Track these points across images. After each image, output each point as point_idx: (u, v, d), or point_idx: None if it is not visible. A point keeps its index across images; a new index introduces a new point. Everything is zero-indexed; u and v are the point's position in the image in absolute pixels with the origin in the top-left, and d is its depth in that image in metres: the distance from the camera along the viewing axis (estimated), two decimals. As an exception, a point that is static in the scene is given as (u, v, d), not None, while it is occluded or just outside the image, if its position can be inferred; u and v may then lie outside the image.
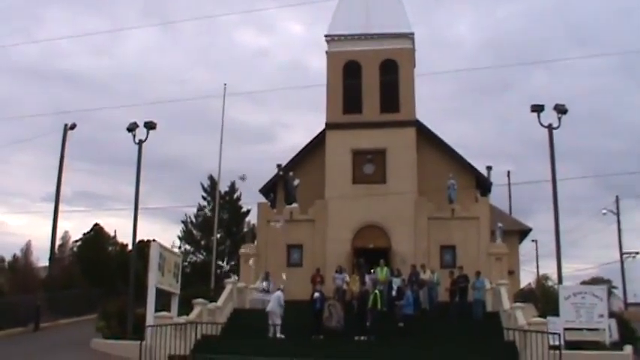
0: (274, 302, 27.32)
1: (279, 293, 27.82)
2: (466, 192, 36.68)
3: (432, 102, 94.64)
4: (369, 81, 37.47)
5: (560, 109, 28.40)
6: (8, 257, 51.46)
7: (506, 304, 28.45)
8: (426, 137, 37.82)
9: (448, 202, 35.33)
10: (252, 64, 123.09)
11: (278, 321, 26.86)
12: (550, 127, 28.83)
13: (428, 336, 25.38)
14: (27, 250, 43.76)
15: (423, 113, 44.06)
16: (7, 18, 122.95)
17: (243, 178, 41.98)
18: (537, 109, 28.83)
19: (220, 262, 52.40)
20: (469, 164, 38.42)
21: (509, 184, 56.99)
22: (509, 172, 59.22)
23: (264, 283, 32.06)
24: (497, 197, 46.84)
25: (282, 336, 26.21)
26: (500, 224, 35.72)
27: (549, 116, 28.77)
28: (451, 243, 34.97)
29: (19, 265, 42.62)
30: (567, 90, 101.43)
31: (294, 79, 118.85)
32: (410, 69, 37.81)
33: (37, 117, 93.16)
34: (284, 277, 30.70)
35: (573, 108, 28.96)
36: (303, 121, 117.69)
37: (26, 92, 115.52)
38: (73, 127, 45.79)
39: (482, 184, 39.52)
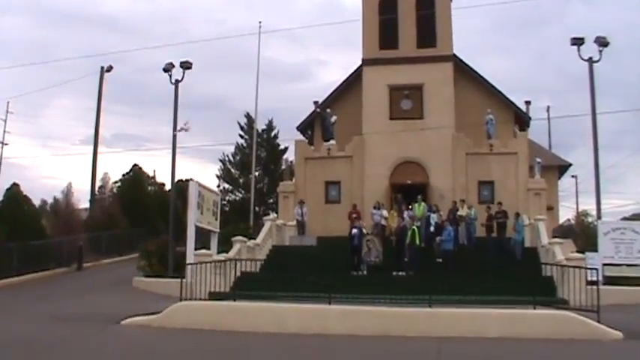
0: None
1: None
2: (504, 127, 36.29)
3: (469, 37, 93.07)
4: (406, 15, 36.86)
5: (602, 42, 27.96)
6: (50, 200, 52.33)
7: (545, 239, 28.42)
8: (464, 72, 37.37)
9: (486, 138, 35.04)
10: (287, 1, 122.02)
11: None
12: (590, 61, 28.41)
13: (466, 271, 25.48)
14: (68, 192, 44.22)
15: (460, 48, 43.61)
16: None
17: None
18: (577, 42, 28.41)
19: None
20: (507, 99, 38.05)
21: (548, 118, 56.40)
22: (548, 106, 58.64)
23: (299, 210, 33.24)
24: (536, 132, 46.53)
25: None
26: (539, 159, 35.48)
27: (590, 49, 28.35)
28: (489, 178, 34.82)
29: (61, 207, 43.10)
30: (609, 22, 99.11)
31: (330, 16, 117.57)
32: (446, 3, 37.10)
33: (73, 60, 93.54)
34: None
35: (615, 40, 28.49)
36: (340, 58, 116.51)
37: (62, 36, 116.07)
38: (109, 69, 46.27)
39: (521, 119, 39.08)
